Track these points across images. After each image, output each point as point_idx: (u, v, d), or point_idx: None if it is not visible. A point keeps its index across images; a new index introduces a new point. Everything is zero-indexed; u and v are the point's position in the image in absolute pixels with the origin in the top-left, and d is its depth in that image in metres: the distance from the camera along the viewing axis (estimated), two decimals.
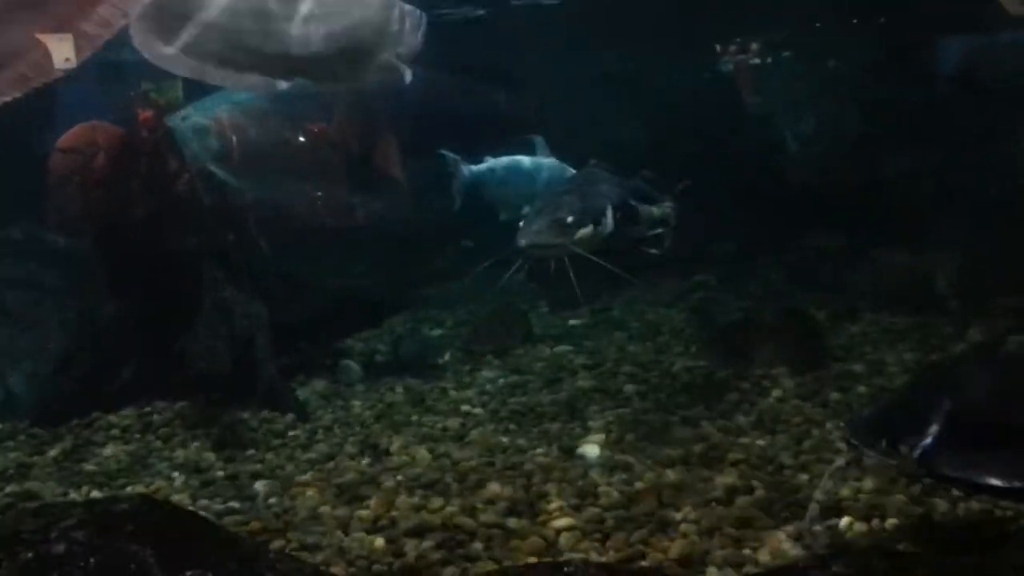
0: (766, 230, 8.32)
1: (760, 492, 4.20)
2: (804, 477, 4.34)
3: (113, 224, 6.04)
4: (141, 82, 7.62)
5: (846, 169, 8.43)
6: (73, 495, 4.61)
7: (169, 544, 2.37)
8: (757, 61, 10.03)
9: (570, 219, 4.84)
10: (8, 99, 3.20)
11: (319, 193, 7.79)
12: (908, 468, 3.72)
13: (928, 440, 3.49)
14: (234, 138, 6.90)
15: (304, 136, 7.76)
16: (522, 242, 4.76)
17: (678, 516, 4.04)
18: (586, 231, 4.87)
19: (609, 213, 5.06)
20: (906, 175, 8.13)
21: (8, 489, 4.72)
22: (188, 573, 2.31)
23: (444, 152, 7.23)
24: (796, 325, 6.37)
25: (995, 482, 3.33)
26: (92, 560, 2.30)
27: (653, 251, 5.59)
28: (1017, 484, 3.31)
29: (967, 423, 3.50)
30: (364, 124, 8.25)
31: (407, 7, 4.26)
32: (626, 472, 4.56)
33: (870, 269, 7.62)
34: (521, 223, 4.90)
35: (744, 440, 4.91)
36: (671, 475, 4.47)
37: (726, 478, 4.37)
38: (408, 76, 4.34)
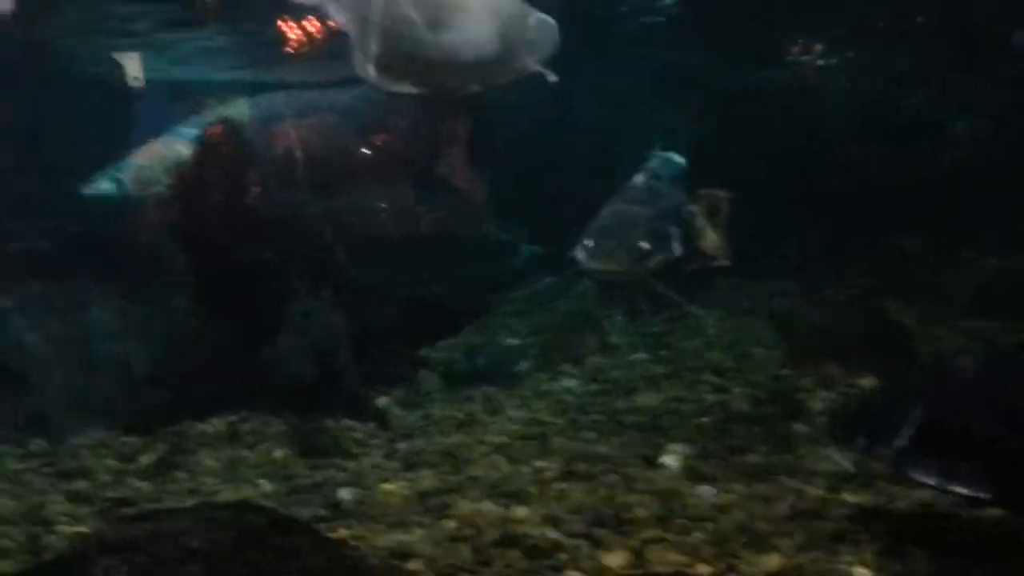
0: (852, 231, 8.16)
1: (853, 504, 4.12)
2: (894, 488, 4.24)
3: (194, 236, 6.20)
4: (207, 99, 7.92)
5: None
6: (167, 501, 4.73)
7: (273, 550, 2.43)
8: (821, 62, 9.92)
9: (644, 245, 4.56)
10: None
11: (385, 202, 7.90)
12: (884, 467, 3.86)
13: (902, 442, 3.54)
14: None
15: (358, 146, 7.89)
16: (590, 265, 4.51)
17: (768, 528, 3.99)
18: (658, 257, 4.62)
19: (676, 234, 4.82)
20: (992, 172, 7.92)
21: (105, 495, 4.86)
22: None
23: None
24: (883, 331, 6.24)
25: (961, 490, 3.42)
26: (202, 564, 2.36)
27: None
28: (982, 494, 3.38)
29: (941, 427, 3.53)
30: (431, 133, 8.37)
31: (541, 16, 4.36)
32: (712, 482, 4.51)
33: (962, 271, 7.43)
34: (585, 240, 4.61)
35: (832, 451, 4.81)
36: (759, 486, 4.41)
37: (816, 490, 4.30)
38: (552, 78, 4.40)
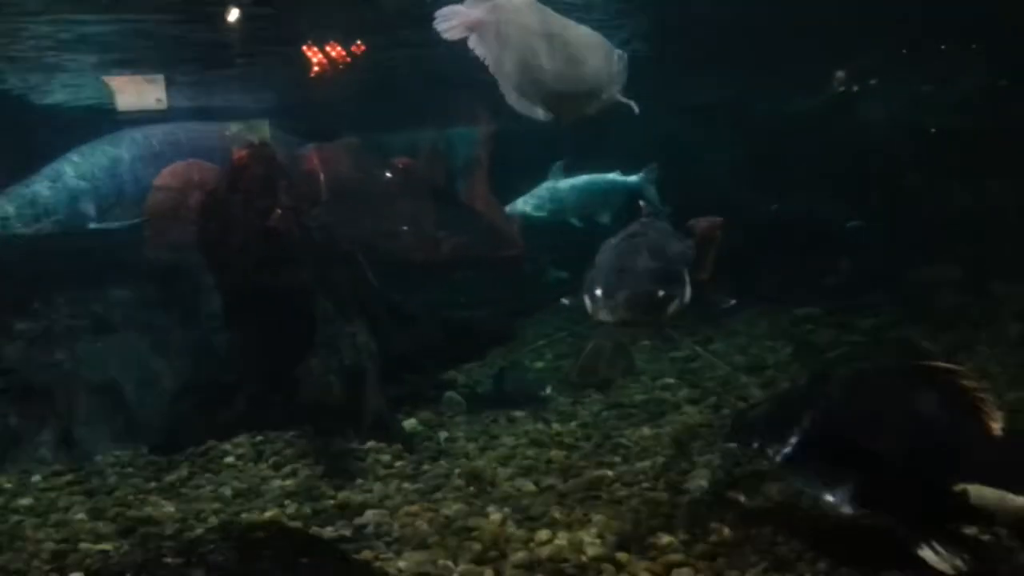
0: (878, 260, 8.12)
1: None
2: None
3: (218, 258, 6.25)
4: (231, 123, 7.96)
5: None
6: (191, 521, 4.74)
7: (304, 570, 2.42)
8: (843, 88, 9.93)
9: (661, 293, 4.25)
10: None
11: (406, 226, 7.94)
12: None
13: (789, 449, 3.84)
14: None
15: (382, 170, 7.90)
16: (602, 317, 4.20)
17: (791, 555, 3.94)
18: (674, 304, 4.30)
19: (687, 278, 4.47)
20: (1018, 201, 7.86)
21: (129, 514, 4.88)
22: None
23: None
24: (905, 357, 6.18)
25: (831, 500, 3.68)
26: None
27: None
28: (847, 509, 3.64)
29: (826, 439, 3.82)
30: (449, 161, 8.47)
31: (618, 51, 4.61)
32: (737, 508, 4.47)
33: (988, 300, 7.37)
34: (597, 290, 4.25)
35: None
36: (784, 511, 4.36)
37: None
38: (636, 109, 4.68)
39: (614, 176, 7.89)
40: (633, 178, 7.84)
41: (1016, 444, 3.62)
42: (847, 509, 3.63)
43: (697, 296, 4.48)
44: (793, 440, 3.86)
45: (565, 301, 4.60)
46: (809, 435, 3.85)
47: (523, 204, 7.69)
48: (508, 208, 7.69)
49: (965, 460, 3.56)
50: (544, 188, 7.73)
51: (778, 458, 3.90)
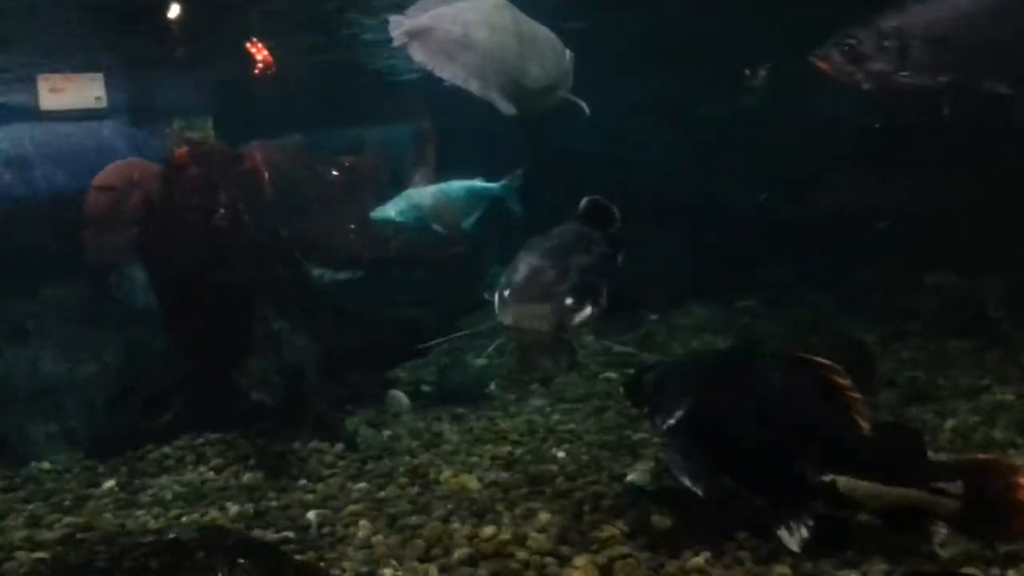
0: (815, 254, 8.28)
1: None
2: None
3: (157, 258, 6.15)
4: (173, 120, 7.78)
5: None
6: (130, 525, 4.67)
7: (239, 572, 2.40)
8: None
9: (569, 301, 3.94)
10: None
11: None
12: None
13: (672, 421, 3.95)
14: None
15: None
16: (508, 320, 3.92)
17: (732, 542, 4.01)
18: (584, 314, 4.00)
19: (604, 290, 4.18)
20: (953, 198, 8.05)
21: (66, 520, 4.79)
22: None
23: None
24: (844, 350, 6.30)
25: (685, 482, 3.82)
26: None
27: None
28: (699, 492, 3.77)
29: (703, 419, 3.94)
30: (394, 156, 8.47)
31: (569, 52, 4.79)
32: (678, 501, 4.53)
33: (920, 293, 7.56)
34: (506, 291, 3.99)
35: None
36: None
37: None
38: (587, 110, 4.87)
39: (475, 183, 7.90)
40: (495, 185, 7.88)
41: (881, 438, 3.80)
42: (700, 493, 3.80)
43: (620, 307, 4.35)
44: (675, 413, 3.98)
45: (486, 296, 4.49)
46: (686, 413, 3.98)
47: (387, 210, 7.67)
48: (372, 214, 7.67)
49: (834, 452, 3.75)
50: (406, 195, 7.72)
51: (663, 427, 4.03)
